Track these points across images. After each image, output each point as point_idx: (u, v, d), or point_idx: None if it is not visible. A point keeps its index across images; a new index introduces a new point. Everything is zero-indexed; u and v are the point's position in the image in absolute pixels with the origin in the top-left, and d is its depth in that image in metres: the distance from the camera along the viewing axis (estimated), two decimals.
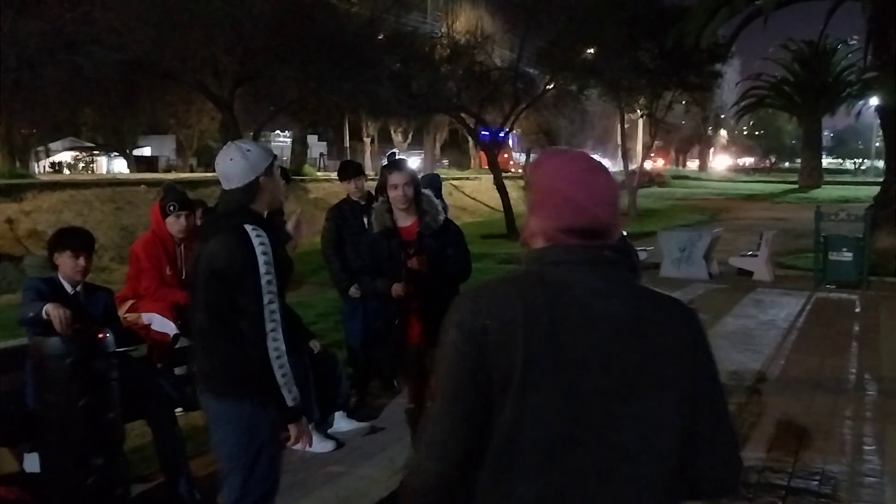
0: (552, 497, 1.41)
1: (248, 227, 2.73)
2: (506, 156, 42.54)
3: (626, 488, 1.43)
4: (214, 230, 2.85)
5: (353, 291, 5.49)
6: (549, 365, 1.40)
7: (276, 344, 2.72)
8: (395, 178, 3.93)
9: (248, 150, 2.82)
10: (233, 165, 2.79)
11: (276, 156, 2.96)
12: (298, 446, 2.93)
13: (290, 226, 4.43)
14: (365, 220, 5.50)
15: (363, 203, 5.57)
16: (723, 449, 1.52)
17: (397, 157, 4.35)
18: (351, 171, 5.69)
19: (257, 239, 2.71)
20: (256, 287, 2.69)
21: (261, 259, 2.70)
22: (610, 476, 1.42)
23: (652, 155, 45.49)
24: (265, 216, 2.89)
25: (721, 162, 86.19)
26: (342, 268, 5.54)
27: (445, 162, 53.44)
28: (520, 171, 33.65)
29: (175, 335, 4.31)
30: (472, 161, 45.48)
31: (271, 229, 2.86)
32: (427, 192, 4.05)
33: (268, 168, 2.83)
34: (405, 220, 4.00)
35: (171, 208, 4.46)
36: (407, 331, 3.99)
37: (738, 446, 1.57)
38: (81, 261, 3.92)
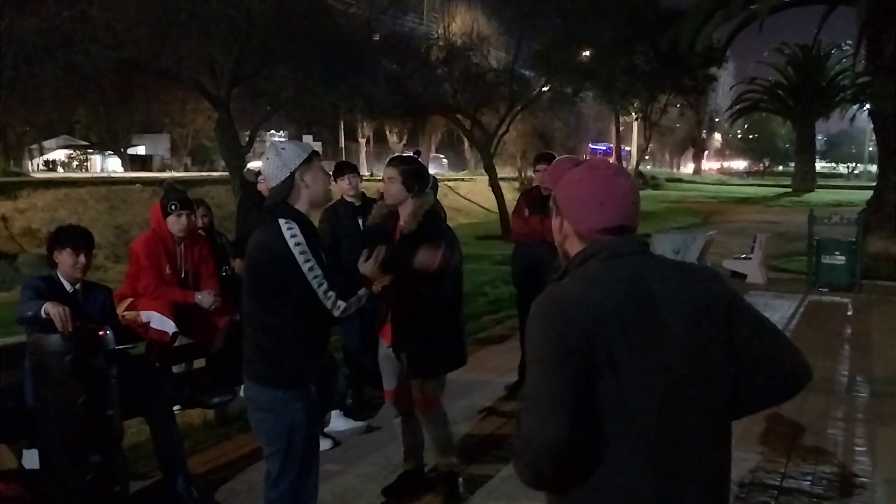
0: (659, 472, 1.63)
1: (282, 222, 2.87)
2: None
3: (716, 444, 1.72)
4: (258, 225, 3.02)
5: None
6: (639, 348, 1.61)
7: (331, 299, 2.90)
8: (386, 169, 3.90)
9: (283, 149, 2.95)
10: (269, 164, 2.94)
11: (315, 152, 3.01)
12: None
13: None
14: (360, 221, 5.51)
15: (357, 204, 5.58)
16: (783, 359, 1.78)
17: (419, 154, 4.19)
18: (345, 168, 5.69)
19: (288, 231, 2.85)
20: (298, 270, 2.83)
21: (295, 249, 2.83)
22: (703, 436, 1.68)
23: (647, 158, 45.65)
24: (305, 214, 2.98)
25: (711, 165, 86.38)
26: None
27: (445, 161, 53.35)
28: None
29: (174, 333, 4.33)
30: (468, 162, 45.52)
31: (308, 224, 2.97)
32: (427, 191, 3.94)
33: (303, 163, 2.92)
34: (402, 219, 3.92)
35: (173, 207, 4.48)
36: (383, 332, 4.01)
37: (800, 353, 1.81)
38: (82, 258, 3.94)
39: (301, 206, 2.95)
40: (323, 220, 5.65)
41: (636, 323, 1.62)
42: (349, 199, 5.60)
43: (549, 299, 1.67)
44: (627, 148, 53.27)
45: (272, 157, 2.93)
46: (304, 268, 2.83)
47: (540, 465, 1.66)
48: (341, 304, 2.92)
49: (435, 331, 3.87)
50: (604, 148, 49.59)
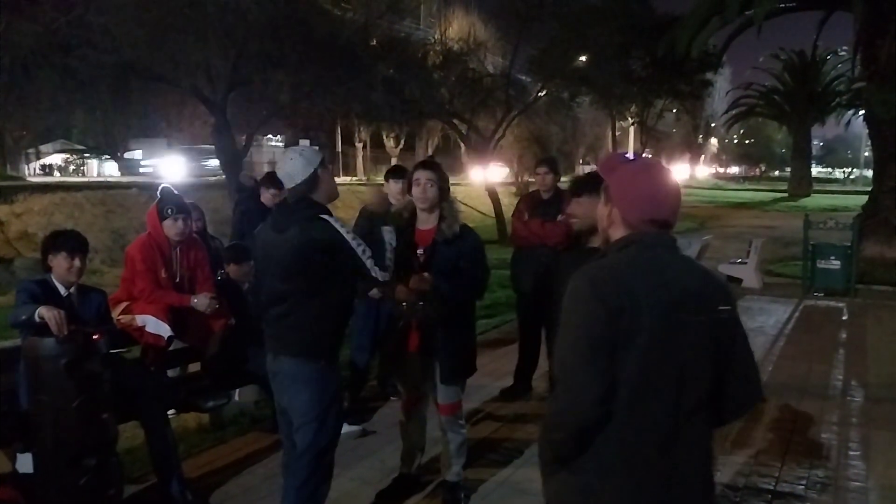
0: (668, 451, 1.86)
1: (326, 217, 3.34)
2: None
3: (706, 432, 1.97)
4: (290, 222, 3.34)
5: (374, 293, 5.45)
6: (657, 329, 1.82)
7: (377, 270, 3.38)
8: (418, 174, 3.86)
9: (303, 151, 3.39)
10: (294, 163, 3.34)
11: (324, 155, 3.48)
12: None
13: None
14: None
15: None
16: (747, 382, 2.00)
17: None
18: (398, 172, 5.51)
19: (337, 223, 3.34)
20: (352, 251, 3.31)
21: (348, 236, 3.31)
22: (698, 420, 1.92)
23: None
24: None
25: (706, 171, 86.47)
26: None
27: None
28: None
29: (169, 337, 4.33)
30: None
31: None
32: (453, 197, 3.96)
33: (321, 162, 3.39)
34: (425, 223, 3.90)
35: (169, 211, 4.48)
36: (407, 339, 3.94)
37: (759, 380, 2.05)
38: (76, 262, 3.94)
39: (321, 198, 3.39)
40: (363, 214, 5.54)
41: (661, 309, 1.83)
42: (393, 201, 5.50)
43: (586, 277, 1.89)
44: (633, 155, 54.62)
45: (295, 157, 3.35)
46: (358, 250, 3.31)
47: (567, 437, 1.89)
48: (384, 274, 3.41)
49: (468, 335, 4.02)
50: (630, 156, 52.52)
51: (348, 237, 3.32)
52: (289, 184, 3.36)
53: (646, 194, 1.95)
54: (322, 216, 3.34)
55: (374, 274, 3.39)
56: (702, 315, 1.88)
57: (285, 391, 3.43)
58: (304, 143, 41.62)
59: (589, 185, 3.22)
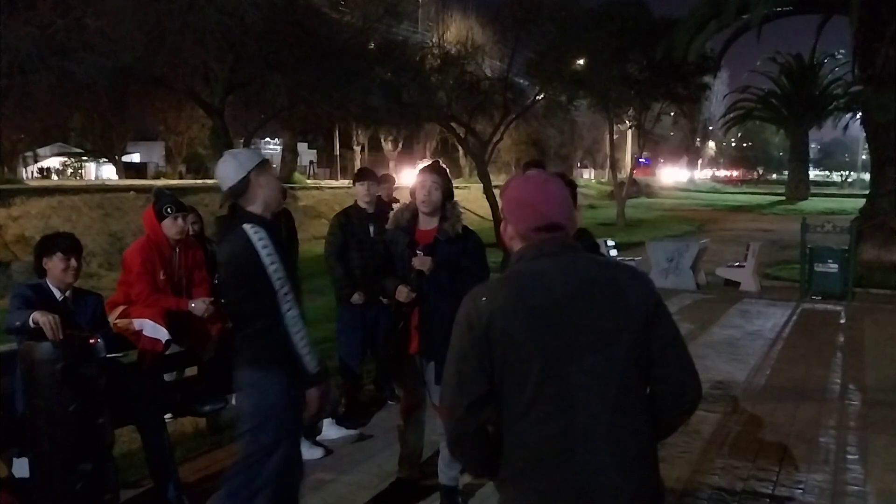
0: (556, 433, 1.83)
1: (247, 227, 2.99)
2: None
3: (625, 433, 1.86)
4: (223, 234, 3.17)
5: (356, 299, 5.47)
6: (532, 336, 1.82)
7: (294, 320, 3.02)
8: (423, 177, 3.87)
9: (239, 153, 3.14)
10: (224, 166, 3.09)
11: (266, 159, 3.16)
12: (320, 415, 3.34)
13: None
14: (371, 229, 5.50)
15: (370, 211, 5.57)
16: (672, 383, 1.93)
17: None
18: (365, 174, 5.67)
19: (256, 236, 2.97)
20: (267, 280, 2.97)
21: (263, 252, 2.96)
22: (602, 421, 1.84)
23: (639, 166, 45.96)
24: (264, 216, 3.10)
25: (703, 174, 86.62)
26: (345, 275, 5.49)
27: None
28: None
29: (167, 341, 4.32)
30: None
31: (272, 227, 3.09)
32: (456, 200, 3.97)
33: (258, 166, 3.07)
34: (427, 224, 3.92)
35: (168, 210, 4.45)
36: (408, 341, 3.94)
37: (694, 374, 1.95)
38: (73, 262, 3.92)
39: (256, 207, 3.07)
40: (334, 223, 5.63)
41: (530, 319, 1.83)
42: (363, 206, 5.58)
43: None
44: (647, 158, 60.07)
45: (228, 159, 3.09)
46: (270, 270, 2.97)
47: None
48: (296, 317, 3.04)
49: None
50: (644, 160, 57.42)
51: (266, 258, 2.96)
52: (222, 188, 3.12)
53: (524, 203, 1.97)
54: (245, 225, 3.00)
55: (283, 306, 3.00)
56: (594, 319, 1.85)
57: (237, 400, 3.31)
58: (303, 146, 41.68)
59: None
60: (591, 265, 1.95)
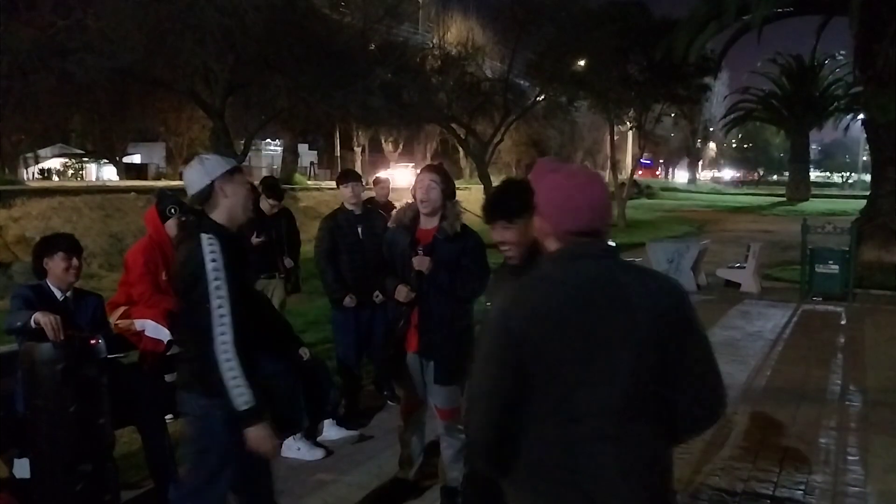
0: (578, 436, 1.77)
1: (204, 236, 2.81)
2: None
3: (653, 442, 1.83)
4: (180, 239, 3.01)
5: (348, 301, 5.50)
6: (568, 345, 1.76)
7: (224, 346, 2.75)
8: (422, 176, 3.90)
9: (207, 159, 2.98)
10: (190, 172, 2.95)
11: (239, 168, 3.02)
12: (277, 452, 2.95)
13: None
14: (360, 230, 5.52)
15: (358, 212, 5.59)
16: (703, 395, 1.88)
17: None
18: (349, 176, 5.71)
19: (209, 247, 2.78)
20: (205, 292, 2.75)
21: (209, 266, 2.76)
22: (643, 433, 1.80)
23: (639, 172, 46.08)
24: (227, 227, 2.92)
25: (706, 175, 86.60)
26: (335, 278, 5.52)
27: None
28: None
29: (168, 341, 4.32)
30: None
31: (231, 239, 2.91)
32: (457, 199, 3.98)
33: (225, 174, 2.91)
34: (428, 224, 3.93)
35: (172, 211, 4.45)
36: (406, 339, 3.95)
37: (722, 390, 1.92)
38: (75, 261, 3.94)
39: (219, 216, 2.91)
40: (322, 227, 5.66)
41: (576, 323, 1.77)
42: (349, 207, 5.61)
43: (501, 299, 1.87)
44: (649, 159, 61.11)
45: (195, 164, 2.96)
46: (211, 286, 2.76)
47: (480, 453, 1.88)
48: (227, 343, 2.75)
49: (466, 337, 3.86)
50: (647, 162, 59.30)
51: (210, 273, 2.76)
52: (188, 191, 2.96)
53: (569, 205, 1.87)
54: (203, 234, 2.82)
55: (215, 330, 2.74)
56: (632, 324, 1.79)
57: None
58: (303, 146, 41.66)
59: (523, 208, 2.53)
60: (626, 271, 1.89)
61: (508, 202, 2.74)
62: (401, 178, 24.33)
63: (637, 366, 1.78)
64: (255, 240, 6.43)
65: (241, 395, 2.74)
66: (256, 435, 2.80)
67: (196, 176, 2.92)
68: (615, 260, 1.91)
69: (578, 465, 1.78)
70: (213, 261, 2.77)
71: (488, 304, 2.53)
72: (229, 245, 2.85)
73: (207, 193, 2.90)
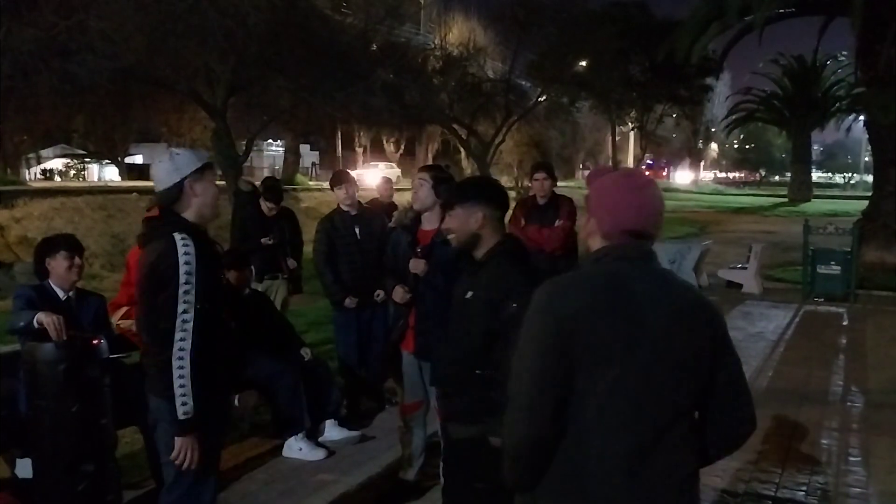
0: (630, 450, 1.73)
1: (177, 236, 2.75)
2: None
3: (683, 446, 1.80)
4: (149, 237, 2.88)
5: (349, 303, 5.51)
6: (611, 346, 1.72)
7: (181, 353, 2.72)
8: (419, 175, 3.94)
9: (178, 154, 2.89)
10: (159, 167, 2.87)
11: (210, 164, 2.95)
12: (180, 459, 2.83)
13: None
14: (357, 231, 5.53)
15: (354, 213, 5.60)
16: (733, 415, 1.88)
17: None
18: (342, 178, 5.72)
19: (183, 248, 2.73)
20: (173, 294, 2.71)
21: (182, 269, 2.72)
22: (673, 437, 1.76)
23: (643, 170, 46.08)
24: (198, 226, 2.89)
25: (707, 175, 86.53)
26: (334, 280, 5.53)
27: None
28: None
29: None
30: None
31: (204, 241, 2.87)
32: None
33: (196, 172, 2.84)
34: (429, 224, 3.95)
35: None
36: (404, 340, 3.96)
37: (752, 413, 1.92)
38: (77, 260, 3.95)
39: (190, 214, 2.85)
40: (320, 230, 5.67)
41: (614, 323, 1.73)
42: (345, 209, 5.61)
43: (545, 290, 1.81)
44: (651, 160, 63.56)
45: (165, 160, 2.86)
46: (181, 290, 2.71)
47: (516, 461, 1.81)
48: (185, 350, 2.72)
49: None
50: (649, 162, 60.54)
51: (182, 276, 2.71)
52: (155, 189, 2.89)
53: (621, 204, 1.86)
54: (176, 234, 2.75)
55: (175, 334, 2.70)
56: (672, 335, 1.75)
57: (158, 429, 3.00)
58: (305, 147, 41.65)
59: (460, 196, 2.92)
60: (668, 280, 1.86)
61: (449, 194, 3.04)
62: (369, 178, 24.13)
63: (679, 379, 1.76)
64: (264, 241, 6.45)
65: (183, 403, 2.75)
66: (184, 444, 2.81)
67: (165, 172, 2.83)
68: (659, 266, 1.88)
69: (636, 482, 1.74)
70: (187, 263, 2.72)
71: (514, 304, 2.53)
72: (202, 245, 2.81)
73: (177, 192, 2.82)
